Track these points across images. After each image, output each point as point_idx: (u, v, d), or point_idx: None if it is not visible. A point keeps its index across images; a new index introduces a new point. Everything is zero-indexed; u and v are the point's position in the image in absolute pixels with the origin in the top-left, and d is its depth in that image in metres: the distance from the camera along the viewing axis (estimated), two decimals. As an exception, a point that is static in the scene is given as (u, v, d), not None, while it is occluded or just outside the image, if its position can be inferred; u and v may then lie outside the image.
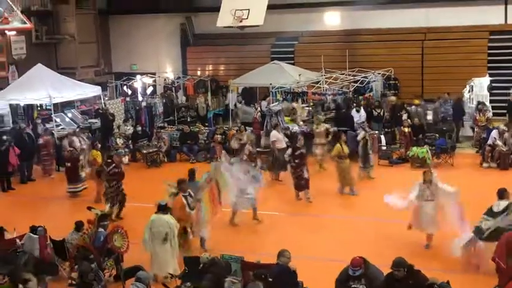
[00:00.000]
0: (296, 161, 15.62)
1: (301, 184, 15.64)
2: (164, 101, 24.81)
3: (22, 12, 17.01)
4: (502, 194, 11.04)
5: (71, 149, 17.51)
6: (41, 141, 19.04)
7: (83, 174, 17.25)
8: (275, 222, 14.30)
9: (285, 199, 15.91)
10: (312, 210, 15.13)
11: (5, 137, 17.88)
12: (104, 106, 22.51)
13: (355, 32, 26.17)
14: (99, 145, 17.11)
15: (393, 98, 22.63)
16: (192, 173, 13.05)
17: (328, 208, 15.29)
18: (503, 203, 10.89)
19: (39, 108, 23.22)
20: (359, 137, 17.75)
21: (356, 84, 22.53)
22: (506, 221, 10.70)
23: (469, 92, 21.66)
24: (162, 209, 10.95)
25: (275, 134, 17.94)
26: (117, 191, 14.68)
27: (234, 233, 13.52)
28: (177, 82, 26.67)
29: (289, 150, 15.98)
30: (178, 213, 11.38)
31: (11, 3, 16.54)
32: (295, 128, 20.05)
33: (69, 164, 17.02)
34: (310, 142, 18.76)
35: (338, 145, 16.17)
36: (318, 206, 15.31)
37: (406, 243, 12.04)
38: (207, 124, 23.24)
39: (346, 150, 16.20)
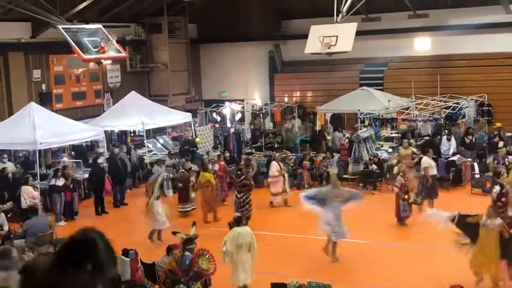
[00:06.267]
0: None
1: None
2: (252, 127, 25.03)
3: (117, 41, 17.65)
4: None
5: (183, 170, 18.07)
6: (216, 167, 18.70)
7: (192, 194, 17.56)
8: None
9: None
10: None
11: (99, 160, 18.51)
12: (193, 134, 23.05)
13: (447, 57, 25.62)
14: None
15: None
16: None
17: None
18: None
19: (132, 134, 23.98)
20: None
21: (448, 111, 21.96)
22: None
23: None
24: (240, 221, 11.42)
25: (427, 160, 16.89)
26: (244, 202, 15.07)
27: (324, 260, 13.29)
28: (265, 108, 26.88)
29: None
30: None
31: (107, 33, 17.22)
32: (384, 154, 19.72)
33: (181, 185, 17.52)
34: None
35: None
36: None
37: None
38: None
39: None
